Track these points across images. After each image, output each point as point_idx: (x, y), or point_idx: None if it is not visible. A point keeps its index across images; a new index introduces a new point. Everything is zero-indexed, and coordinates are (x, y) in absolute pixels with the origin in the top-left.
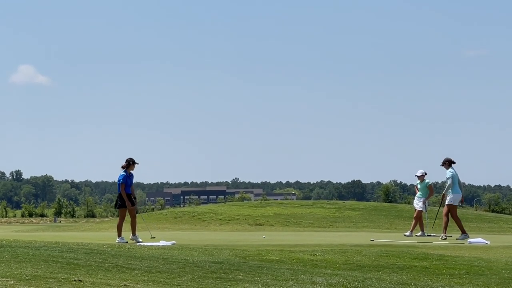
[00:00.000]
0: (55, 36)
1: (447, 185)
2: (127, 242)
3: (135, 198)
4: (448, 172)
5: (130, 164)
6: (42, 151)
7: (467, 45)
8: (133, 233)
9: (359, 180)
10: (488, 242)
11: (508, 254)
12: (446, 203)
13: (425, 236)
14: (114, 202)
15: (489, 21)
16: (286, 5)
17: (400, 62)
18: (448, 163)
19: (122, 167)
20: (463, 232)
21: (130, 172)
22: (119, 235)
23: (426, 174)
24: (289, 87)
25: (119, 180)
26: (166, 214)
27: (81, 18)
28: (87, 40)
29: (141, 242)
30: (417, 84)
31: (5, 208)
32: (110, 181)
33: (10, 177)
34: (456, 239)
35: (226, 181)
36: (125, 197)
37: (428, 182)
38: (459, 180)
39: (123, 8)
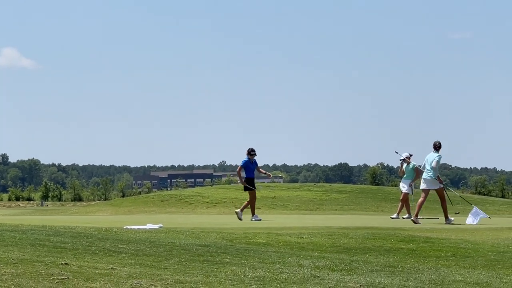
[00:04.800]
0: (39, 19)
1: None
2: (261, 220)
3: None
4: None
5: (248, 153)
6: (28, 134)
7: (452, 28)
8: (253, 213)
9: (346, 163)
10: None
11: (494, 236)
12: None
13: (411, 218)
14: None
15: (473, 3)
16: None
17: (384, 45)
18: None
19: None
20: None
21: (252, 159)
22: (253, 213)
23: (411, 155)
24: (275, 70)
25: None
26: (153, 198)
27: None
28: (73, 23)
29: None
30: (402, 68)
31: None
32: (97, 165)
33: None
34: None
35: (213, 164)
36: (239, 178)
37: (414, 165)
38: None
39: None
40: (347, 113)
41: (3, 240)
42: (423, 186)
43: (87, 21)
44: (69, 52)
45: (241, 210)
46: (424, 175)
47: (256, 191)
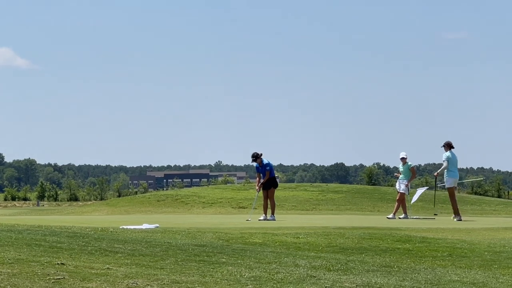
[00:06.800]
0: (34, 18)
1: (442, 166)
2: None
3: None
4: (444, 155)
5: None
6: (24, 134)
7: (446, 28)
8: (272, 213)
9: (342, 163)
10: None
11: (490, 236)
12: (447, 186)
13: (408, 218)
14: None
15: (467, 3)
16: None
17: (378, 46)
18: (447, 146)
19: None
20: (456, 213)
21: (260, 164)
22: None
23: (407, 157)
24: (272, 70)
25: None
26: (149, 198)
27: None
28: (68, 22)
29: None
30: (397, 68)
31: None
32: (93, 165)
33: None
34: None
35: (209, 164)
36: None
37: (410, 165)
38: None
39: None
40: (343, 113)
41: None
42: (454, 185)
43: (82, 21)
44: (64, 52)
45: (265, 213)
46: (454, 175)
47: (267, 192)
